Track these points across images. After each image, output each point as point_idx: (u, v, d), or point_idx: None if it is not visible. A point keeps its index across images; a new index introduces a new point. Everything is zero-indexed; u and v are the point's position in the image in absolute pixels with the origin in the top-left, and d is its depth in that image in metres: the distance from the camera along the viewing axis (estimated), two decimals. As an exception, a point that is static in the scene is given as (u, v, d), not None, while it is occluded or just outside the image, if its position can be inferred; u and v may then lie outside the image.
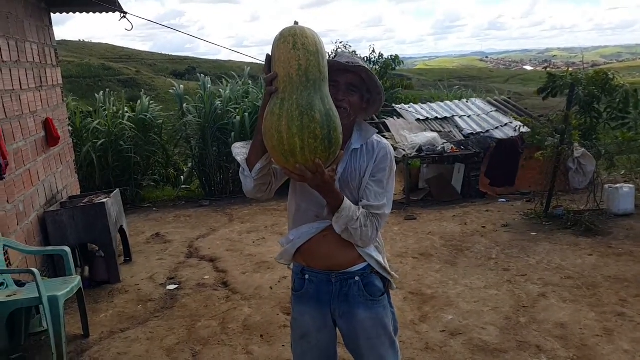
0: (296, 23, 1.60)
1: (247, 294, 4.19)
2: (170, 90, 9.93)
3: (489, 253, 5.02)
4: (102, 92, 9.46)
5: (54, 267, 4.24)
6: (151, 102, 9.45)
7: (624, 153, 6.99)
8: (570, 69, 7.66)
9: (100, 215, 4.35)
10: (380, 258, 1.83)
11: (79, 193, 5.55)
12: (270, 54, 1.58)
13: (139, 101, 9.10)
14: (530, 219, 6.17)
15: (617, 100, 7.16)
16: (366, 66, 1.73)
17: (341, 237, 1.72)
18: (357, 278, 1.81)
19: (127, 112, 8.95)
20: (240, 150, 1.79)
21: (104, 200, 4.48)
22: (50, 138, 4.70)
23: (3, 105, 3.74)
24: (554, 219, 6.04)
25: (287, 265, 1.95)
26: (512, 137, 7.86)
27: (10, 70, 3.94)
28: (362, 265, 1.82)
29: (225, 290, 4.32)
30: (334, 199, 1.65)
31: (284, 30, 1.57)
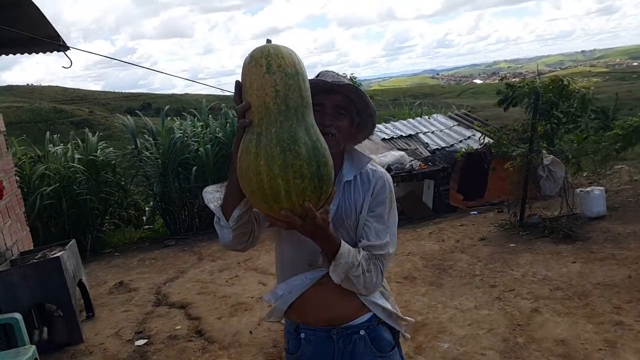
0: (269, 41, 1.36)
1: (225, 342, 3.85)
2: (116, 123, 9.55)
3: (472, 270, 4.86)
4: (49, 134, 9.00)
5: (6, 336, 3.78)
6: (102, 141, 9.06)
7: (589, 156, 7.06)
8: (526, 79, 7.79)
9: (56, 271, 3.96)
10: (387, 305, 1.58)
11: (31, 247, 5.09)
12: (240, 80, 1.34)
13: (84, 140, 8.66)
14: (505, 230, 6.09)
15: (575, 105, 7.30)
16: (354, 84, 1.53)
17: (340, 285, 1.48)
18: (362, 332, 1.55)
19: (76, 153, 8.51)
20: (212, 196, 1.53)
21: (59, 254, 4.09)
22: (-6, 191, 4.29)
23: None
24: (529, 227, 5.97)
25: (278, 322, 1.68)
26: (479, 149, 7.84)
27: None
28: (367, 316, 1.56)
29: (201, 340, 3.97)
30: (329, 245, 1.41)
31: (254, 51, 1.33)
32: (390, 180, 1.60)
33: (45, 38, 4.87)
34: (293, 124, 1.26)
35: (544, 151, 6.26)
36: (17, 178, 5.35)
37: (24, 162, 7.98)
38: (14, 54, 5.22)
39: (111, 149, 9.13)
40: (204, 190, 1.53)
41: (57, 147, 8.66)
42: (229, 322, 4.23)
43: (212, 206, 1.48)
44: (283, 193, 1.22)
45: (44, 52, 5.16)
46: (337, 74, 1.58)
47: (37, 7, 4.20)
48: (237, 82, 1.34)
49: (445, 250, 5.56)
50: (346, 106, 1.52)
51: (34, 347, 2.90)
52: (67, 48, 5.23)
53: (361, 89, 1.53)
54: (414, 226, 6.97)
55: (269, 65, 1.28)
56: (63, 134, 10.31)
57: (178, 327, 4.29)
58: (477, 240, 5.84)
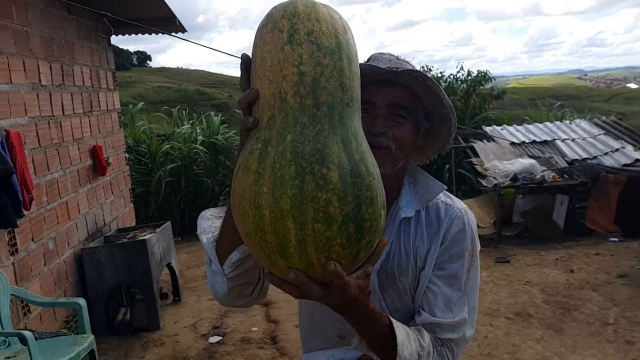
0: None
1: (298, 357, 3.50)
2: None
3: (605, 316, 3.97)
4: (176, 114, 9.44)
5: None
6: (229, 124, 9.30)
7: None
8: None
9: (141, 254, 3.90)
10: None
11: (133, 224, 5.20)
12: (250, 54, 0.88)
13: (209, 122, 8.96)
14: (654, 268, 5.00)
15: None
16: (421, 71, 1.00)
17: None
18: None
19: (200, 135, 8.85)
20: (208, 225, 1.05)
21: (147, 236, 4.04)
22: (99, 166, 4.37)
23: (37, 132, 3.40)
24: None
25: None
26: None
27: (50, 94, 3.62)
28: None
29: (272, 349, 3.66)
30: (370, 327, 0.92)
31: (274, 7, 0.86)
32: (474, 222, 1.06)
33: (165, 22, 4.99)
34: (323, 131, 0.79)
35: None
36: (129, 156, 5.48)
37: (152, 139, 8.48)
38: (136, 34, 5.35)
39: (232, 132, 9.32)
40: (201, 214, 1.14)
41: (182, 127, 9.08)
42: (307, 334, 3.88)
43: (204, 239, 1.03)
44: (294, 243, 0.76)
45: (163, 34, 5.22)
46: (397, 58, 1.05)
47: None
48: (244, 56, 0.87)
49: (573, 284, 4.66)
50: (408, 105, 1.02)
51: (92, 337, 2.78)
52: (184, 30, 5.28)
53: (432, 77, 0.99)
54: (538, 248, 6.05)
55: (293, 30, 0.81)
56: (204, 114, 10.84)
57: (254, 329, 4.03)
58: (614, 276, 4.84)
